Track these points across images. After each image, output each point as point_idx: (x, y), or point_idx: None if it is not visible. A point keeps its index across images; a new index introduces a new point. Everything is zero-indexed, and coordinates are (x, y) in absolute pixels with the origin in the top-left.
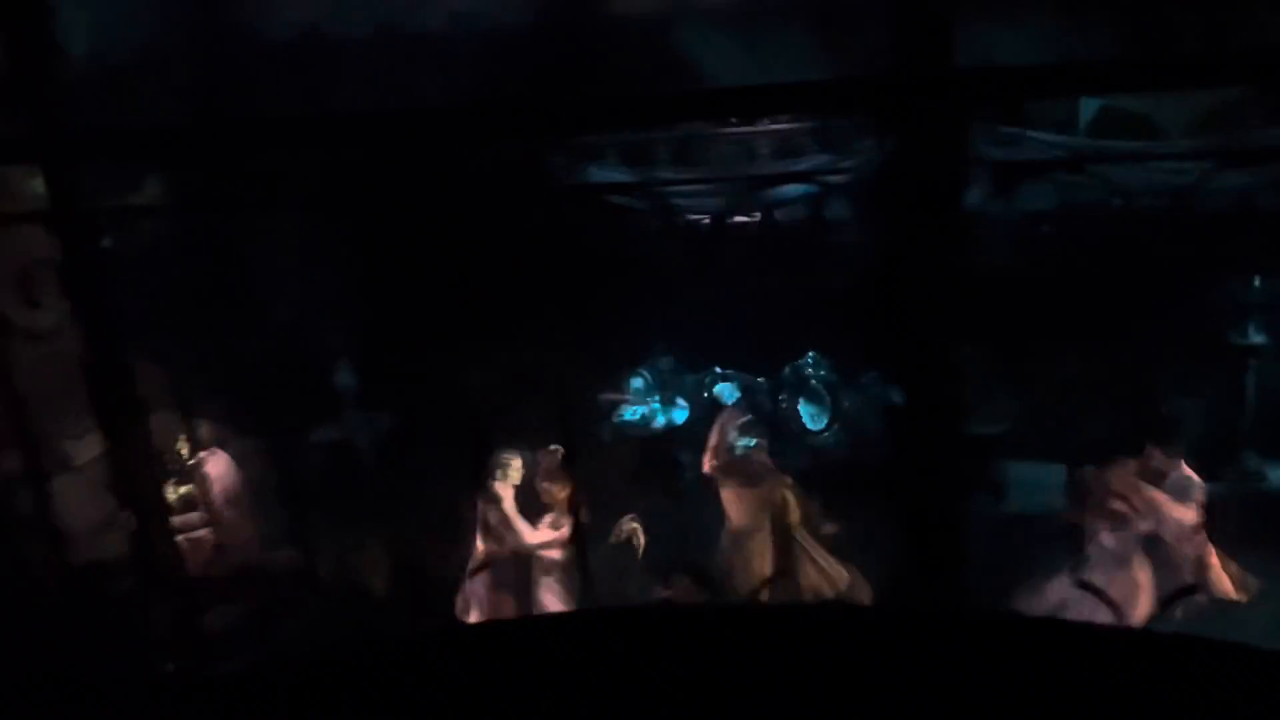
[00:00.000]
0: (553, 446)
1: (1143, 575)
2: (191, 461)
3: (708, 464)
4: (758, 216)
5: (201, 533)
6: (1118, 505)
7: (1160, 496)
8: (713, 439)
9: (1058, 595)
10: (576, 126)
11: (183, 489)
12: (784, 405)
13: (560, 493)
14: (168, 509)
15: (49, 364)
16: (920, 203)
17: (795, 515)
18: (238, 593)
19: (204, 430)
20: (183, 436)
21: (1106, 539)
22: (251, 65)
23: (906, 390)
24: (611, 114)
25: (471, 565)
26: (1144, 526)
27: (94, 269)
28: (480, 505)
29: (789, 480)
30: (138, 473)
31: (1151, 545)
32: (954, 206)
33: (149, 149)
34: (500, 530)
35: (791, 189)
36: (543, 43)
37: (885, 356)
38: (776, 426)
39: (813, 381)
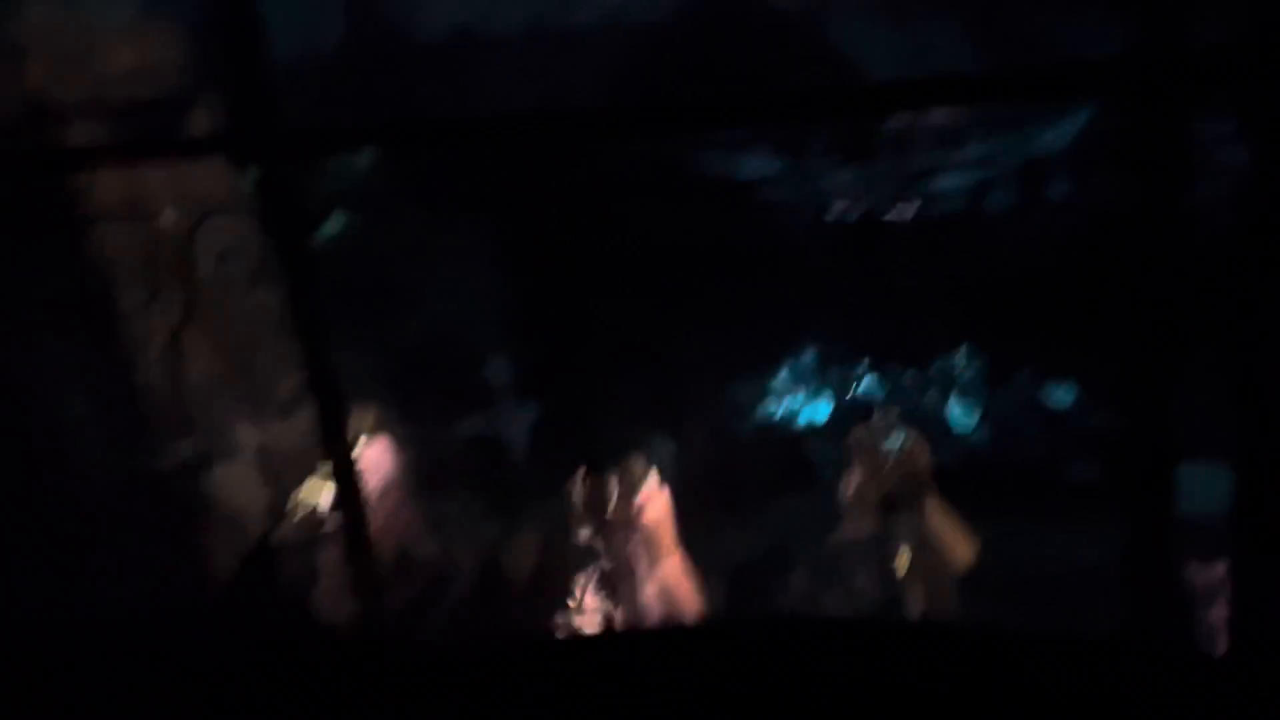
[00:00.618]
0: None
1: None
2: (354, 449)
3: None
4: (914, 209)
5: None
6: None
7: None
8: (859, 452)
9: None
10: (782, 117)
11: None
12: (932, 401)
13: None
14: (337, 494)
15: (227, 349)
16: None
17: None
18: (391, 579)
19: (365, 418)
20: (347, 424)
21: None
22: (406, 65)
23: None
24: (825, 106)
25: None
26: None
27: (297, 260)
28: (605, 508)
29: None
30: (304, 459)
31: None
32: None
33: (349, 145)
34: (621, 534)
35: (951, 180)
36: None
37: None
38: (923, 422)
39: (963, 377)
